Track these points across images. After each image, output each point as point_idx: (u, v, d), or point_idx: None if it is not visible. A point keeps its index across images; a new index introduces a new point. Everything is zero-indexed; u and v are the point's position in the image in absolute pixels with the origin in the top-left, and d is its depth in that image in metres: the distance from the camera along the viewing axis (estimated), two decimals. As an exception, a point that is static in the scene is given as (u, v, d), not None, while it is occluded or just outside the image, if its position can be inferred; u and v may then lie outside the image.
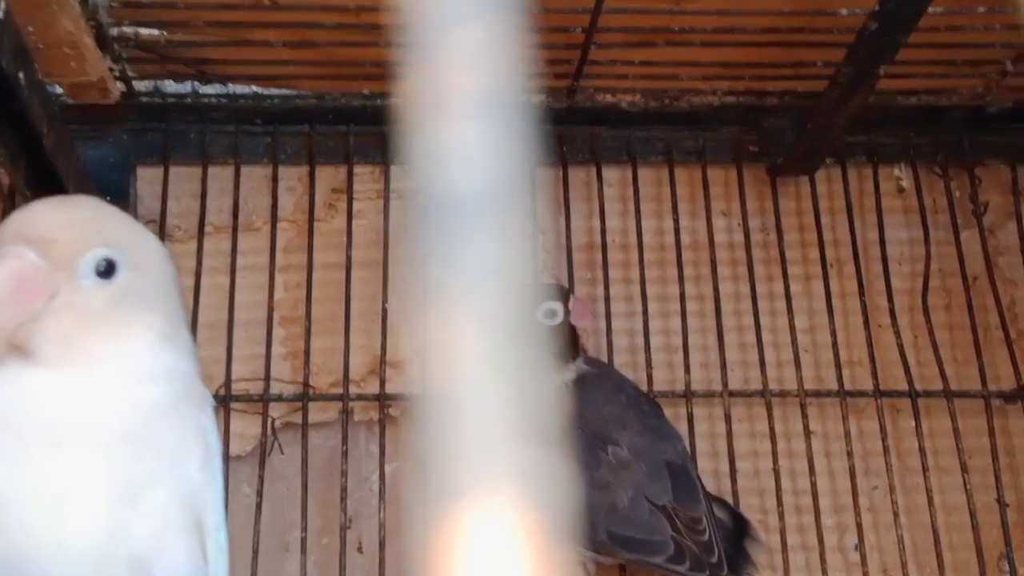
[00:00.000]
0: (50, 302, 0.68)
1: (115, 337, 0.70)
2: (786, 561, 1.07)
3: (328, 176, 1.22)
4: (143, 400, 0.70)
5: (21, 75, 0.91)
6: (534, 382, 0.25)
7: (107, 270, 0.70)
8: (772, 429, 1.12)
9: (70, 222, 0.71)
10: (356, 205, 1.19)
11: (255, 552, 1.04)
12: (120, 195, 1.14)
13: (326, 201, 1.22)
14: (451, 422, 0.25)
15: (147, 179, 1.19)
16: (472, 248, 0.26)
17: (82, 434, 0.67)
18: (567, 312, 1.04)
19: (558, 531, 0.24)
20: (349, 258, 1.15)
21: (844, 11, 1.05)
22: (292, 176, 1.22)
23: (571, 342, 1.04)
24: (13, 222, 0.70)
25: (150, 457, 0.69)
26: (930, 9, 0.98)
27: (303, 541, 1.05)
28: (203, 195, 1.18)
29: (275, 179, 1.20)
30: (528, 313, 0.26)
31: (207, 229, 1.17)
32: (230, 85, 1.17)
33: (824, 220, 1.22)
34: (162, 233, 1.15)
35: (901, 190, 1.28)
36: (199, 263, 1.15)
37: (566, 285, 1.17)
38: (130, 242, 0.73)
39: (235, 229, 1.17)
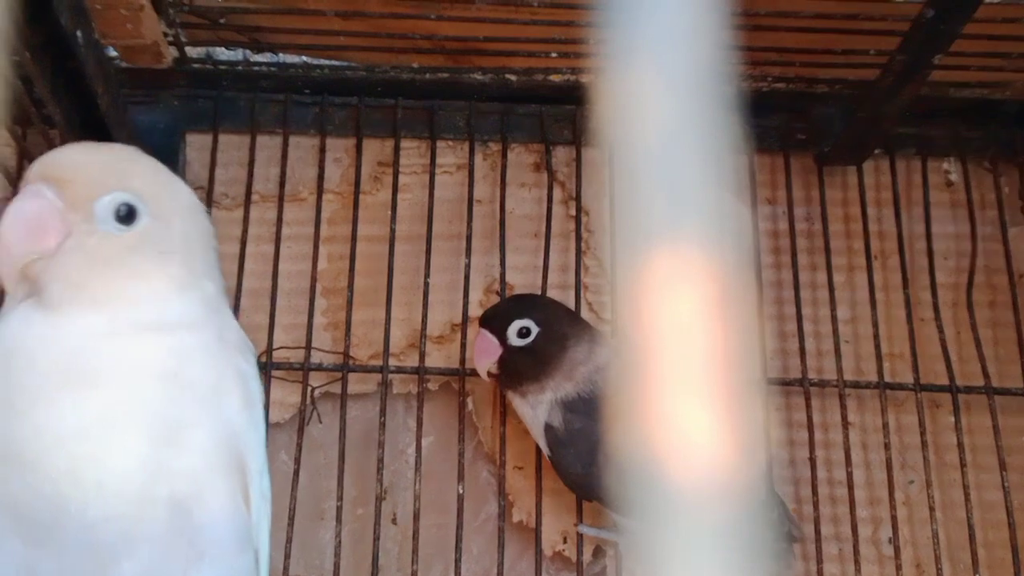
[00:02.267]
0: (62, 242, 0.68)
1: (122, 283, 0.70)
2: (819, 551, 1.06)
3: (375, 149, 1.22)
4: (169, 343, 0.70)
5: (79, 34, 0.91)
6: (718, 138, 0.26)
7: (127, 215, 0.70)
8: (810, 419, 1.12)
9: (91, 164, 0.71)
10: (402, 179, 1.20)
11: (291, 519, 1.04)
12: (169, 161, 1.14)
13: (372, 174, 1.22)
14: (645, 172, 0.26)
15: (196, 146, 1.20)
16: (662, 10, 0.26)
17: (112, 375, 0.67)
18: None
19: (737, 270, 0.25)
20: (393, 231, 1.16)
21: (900, -1, 1.05)
22: (339, 148, 1.23)
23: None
24: (39, 161, 0.71)
25: (186, 398, 0.69)
26: None
27: (338, 510, 1.05)
28: (251, 163, 1.18)
29: (322, 150, 1.20)
30: (714, 79, 0.26)
31: (253, 198, 1.18)
32: (281, 54, 1.18)
33: (870, 211, 1.22)
34: (209, 200, 1.16)
35: (949, 184, 1.27)
36: (245, 231, 1.15)
37: (607, 269, 1.17)
38: (155, 190, 0.73)
39: (281, 199, 1.18)
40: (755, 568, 0.25)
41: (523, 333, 1.00)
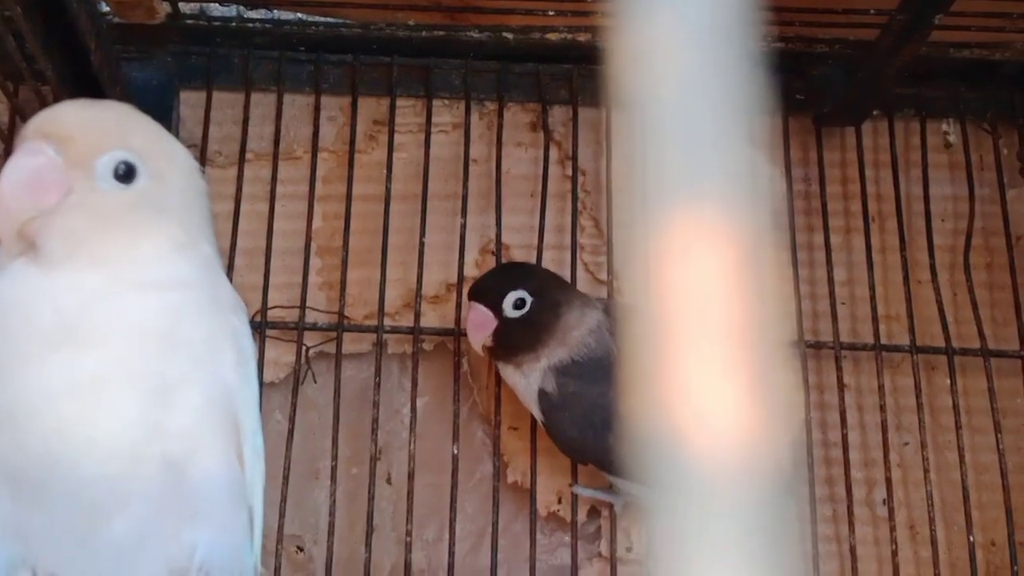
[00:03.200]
0: (63, 200, 0.68)
1: (124, 241, 0.70)
2: (813, 512, 1.07)
3: (370, 107, 1.21)
4: (164, 302, 0.69)
5: (71, -11, 0.90)
6: (742, 90, 0.25)
7: (126, 174, 0.70)
8: (806, 380, 1.12)
9: (91, 121, 0.71)
10: (397, 138, 1.19)
11: (285, 478, 1.04)
12: (163, 118, 1.13)
13: (367, 132, 1.21)
14: (664, 126, 0.25)
15: (190, 103, 1.19)
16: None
17: (104, 334, 0.67)
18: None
19: (763, 230, 0.25)
20: (388, 190, 1.15)
21: (901, -43, 1.03)
22: (334, 106, 1.22)
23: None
24: (37, 118, 0.70)
25: (180, 355, 0.68)
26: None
27: (333, 470, 1.05)
28: (245, 121, 1.17)
29: (317, 108, 1.19)
30: (737, 30, 0.26)
31: (248, 156, 1.17)
32: (275, 11, 1.17)
33: (868, 173, 1.21)
34: (203, 158, 1.15)
35: (948, 145, 1.26)
36: (239, 190, 1.15)
37: (603, 228, 1.16)
38: (154, 149, 0.73)
39: (276, 157, 1.17)
40: (779, 551, 0.25)
41: (518, 304, 1.00)
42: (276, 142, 1.17)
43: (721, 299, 0.25)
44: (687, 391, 0.25)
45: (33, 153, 0.68)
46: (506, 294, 1.00)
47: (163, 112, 1.14)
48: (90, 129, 0.70)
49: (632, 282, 0.26)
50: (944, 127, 1.27)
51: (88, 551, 0.66)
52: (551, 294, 1.00)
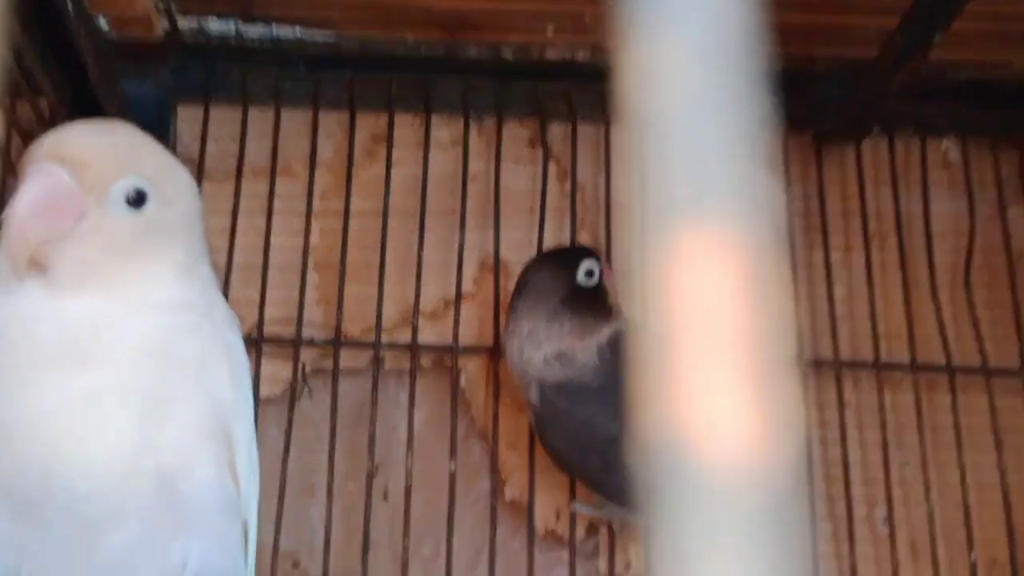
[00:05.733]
0: (76, 225, 0.68)
1: (134, 267, 0.71)
2: (814, 530, 1.06)
3: (368, 123, 1.21)
4: (163, 323, 0.70)
5: (69, 4, 0.90)
6: (748, 107, 0.25)
7: (137, 200, 0.71)
8: (806, 398, 1.11)
9: (106, 147, 0.71)
10: (395, 154, 1.18)
11: (281, 495, 1.04)
12: (160, 133, 1.13)
13: (365, 148, 1.21)
14: (668, 142, 0.25)
15: (187, 118, 1.19)
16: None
17: (104, 354, 0.67)
18: (602, 272, 1.03)
19: (768, 247, 0.25)
20: (386, 206, 1.15)
21: (901, -25, 1.03)
22: (332, 122, 1.21)
23: (607, 301, 1.03)
24: (49, 140, 0.70)
25: (175, 373, 0.69)
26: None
27: (329, 486, 1.05)
28: (242, 137, 1.17)
29: (315, 124, 1.19)
30: (743, 47, 0.25)
31: (245, 172, 1.17)
32: (274, 27, 1.16)
33: (868, 191, 1.21)
34: (200, 173, 1.15)
35: (948, 164, 1.26)
36: (236, 205, 1.14)
37: (602, 245, 1.16)
38: (162, 174, 0.74)
39: (273, 172, 1.17)
40: (786, 566, 0.24)
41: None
42: (274, 157, 1.17)
43: (726, 314, 0.25)
44: (693, 407, 0.25)
45: (49, 177, 0.68)
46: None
47: (160, 127, 1.14)
48: (105, 155, 0.71)
49: (634, 299, 0.26)
50: (944, 145, 1.26)
51: (83, 567, 0.66)
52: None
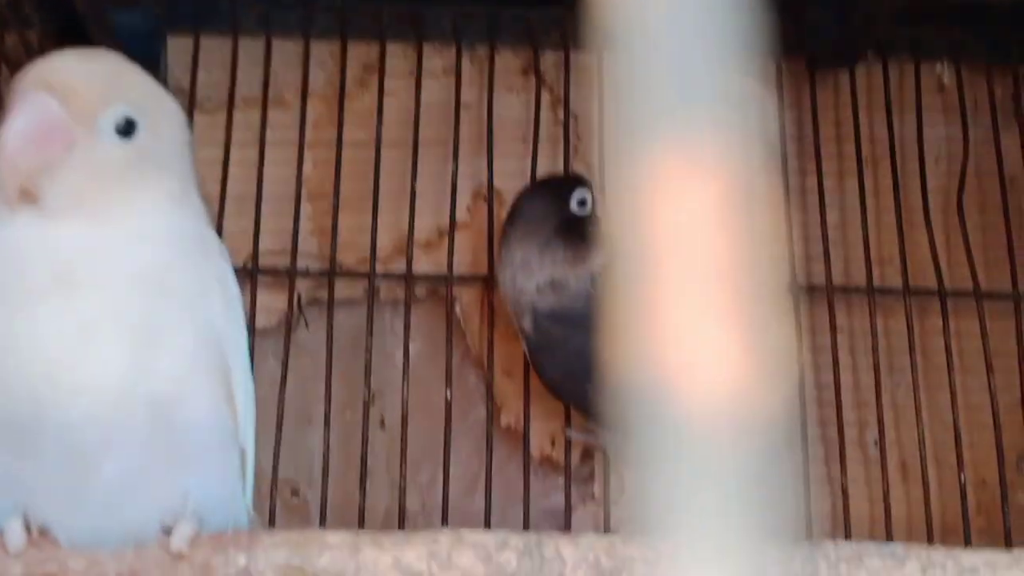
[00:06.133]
0: (67, 154, 0.68)
1: (126, 195, 0.70)
2: (805, 452, 1.07)
3: (360, 53, 1.20)
4: (156, 252, 0.70)
5: (55, -68, 0.89)
6: (736, 20, 0.24)
7: (126, 128, 0.70)
8: (798, 323, 1.12)
9: (95, 75, 0.70)
10: (388, 83, 1.18)
11: (279, 424, 1.05)
12: (150, 64, 1.12)
13: (357, 77, 1.20)
14: (652, 56, 0.25)
15: (177, 49, 1.18)
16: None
17: (96, 282, 0.67)
18: (596, 201, 1.03)
19: (757, 165, 0.24)
20: (379, 136, 1.14)
21: None
22: (323, 51, 1.20)
23: (600, 230, 1.03)
24: (38, 69, 0.69)
25: (169, 302, 0.69)
26: None
27: (326, 415, 1.06)
28: (233, 67, 1.16)
29: (306, 54, 1.18)
30: None
31: (237, 102, 1.16)
32: (263, -46, 1.15)
33: (862, 116, 1.20)
34: (191, 104, 1.14)
35: (942, 88, 1.25)
36: (228, 136, 1.14)
37: (596, 174, 1.16)
38: (150, 102, 0.73)
39: (265, 103, 1.16)
40: (773, 516, 0.24)
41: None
42: (265, 88, 1.16)
43: (711, 238, 0.24)
44: (674, 338, 0.24)
45: (38, 105, 0.67)
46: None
47: (150, 58, 1.13)
48: (93, 83, 0.70)
49: (618, 222, 0.25)
50: (938, 69, 1.26)
51: (79, 497, 0.66)
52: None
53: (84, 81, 0.69)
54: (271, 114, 1.16)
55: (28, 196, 0.68)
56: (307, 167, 1.15)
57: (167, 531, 0.68)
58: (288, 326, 1.09)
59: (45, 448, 0.66)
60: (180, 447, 0.68)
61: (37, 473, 0.66)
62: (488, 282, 1.12)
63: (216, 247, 0.76)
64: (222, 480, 0.71)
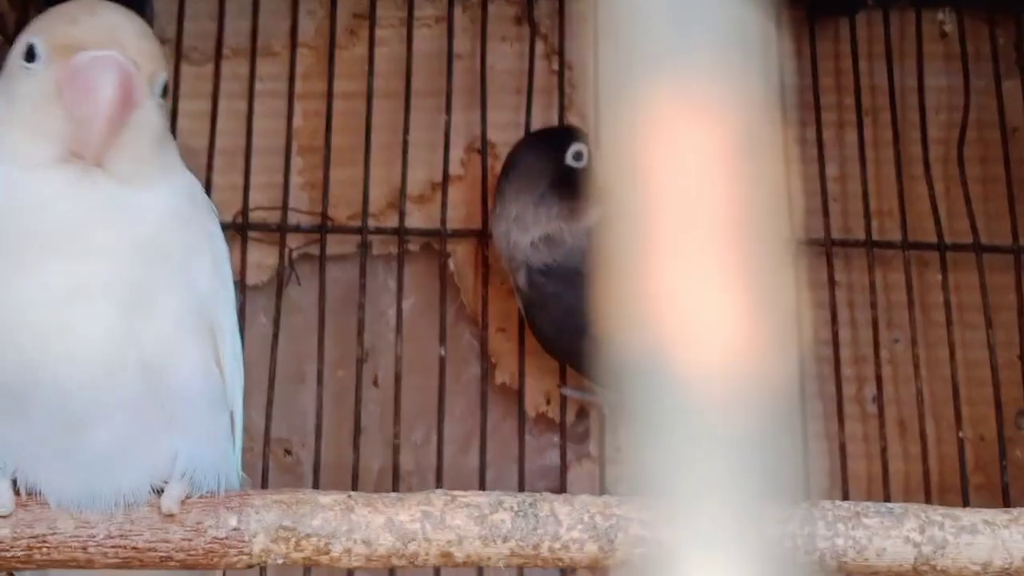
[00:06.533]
0: (134, 117, 0.66)
1: (163, 159, 0.70)
2: (803, 409, 1.06)
3: (350, 1, 1.18)
4: (164, 214, 0.69)
5: None
6: None
7: (164, 91, 0.70)
8: (799, 279, 1.10)
9: (151, 38, 0.70)
10: (378, 32, 1.16)
11: (271, 382, 1.04)
12: (137, 13, 1.11)
13: (347, 27, 1.18)
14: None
15: (163, -3, 1.16)
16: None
17: (102, 244, 0.66)
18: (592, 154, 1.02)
19: (759, 110, 0.22)
20: (370, 87, 1.12)
21: None
22: (313, 0, 1.18)
23: (597, 184, 1.01)
24: (102, 26, 0.67)
25: (161, 264, 0.68)
26: None
27: (319, 373, 1.05)
28: (220, 16, 1.14)
29: (295, 2, 1.16)
30: None
31: (224, 52, 1.14)
32: (250, -101, 1.13)
33: (862, 65, 1.18)
34: (178, 55, 1.12)
35: (944, 36, 1.23)
36: (216, 87, 1.12)
37: (591, 125, 1.14)
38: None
39: (253, 53, 1.14)
40: (772, 477, 0.23)
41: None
42: (253, 37, 1.14)
43: (712, 189, 0.22)
44: (671, 297, 0.22)
45: (122, 69, 0.65)
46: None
47: (136, 7, 1.10)
48: (154, 47, 0.69)
49: (613, 173, 0.24)
50: (940, 16, 1.24)
51: (69, 460, 0.66)
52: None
53: (149, 45, 0.68)
54: (260, 65, 1.14)
55: (89, 158, 0.66)
56: (297, 120, 1.13)
57: (157, 492, 0.67)
58: (280, 283, 1.08)
59: (35, 411, 0.65)
60: (170, 410, 0.67)
61: (27, 435, 0.65)
62: (482, 237, 1.11)
63: (205, 203, 0.75)
64: (212, 442, 0.70)
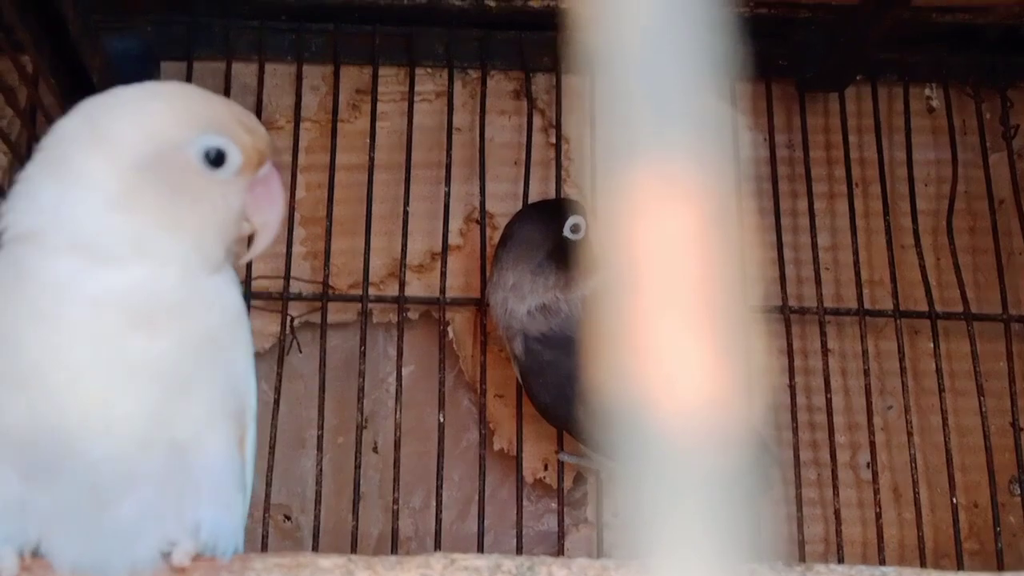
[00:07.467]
0: None
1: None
2: (798, 476, 1.07)
3: (352, 76, 1.21)
4: (221, 301, 0.70)
5: (47, -41, 0.89)
6: (709, 48, 0.25)
7: None
8: (790, 345, 1.12)
9: None
10: (380, 106, 1.18)
11: (271, 448, 1.04)
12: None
13: (350, 101, 1.21)
14: (630, 83, 0.25)
15: (171, 74, 1.18)
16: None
17: (162, 329, 0.66)
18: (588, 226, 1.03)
19: (728, 190, 0.24)
20: (372, 159, 1.15)
21: (884, -78, 1.03)
22: (316, 75, 1.21)
23: (592, 255, 1.03)
24: (264, 133, 0.71)
25: (209, 349, 0.68)
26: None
27: (319, 439, 1.05)
28: (227, 92, 1.17)
29: (299, 77, 1.19)
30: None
31: (230, 126, 1.16)
32: (256, -21, 1.16)
33: (852, 138, 1.21)
34: (185, 128, 1.14)
35: (931, 110, 1.26)
36: (221, 160, 1.14)
37: (590, 197, 1.16)
38: None
39: (258, 127, 1.16)
40: (744, 518, 0.24)
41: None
42: (258, 112, 1.17)
43: (688, 259, 0.25)
44: (654, 356, 0.24)
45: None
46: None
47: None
48: None
49: (606, 245, 0.26)
50: (927, 92, 1.27)
51: (89, 529, 0.66)
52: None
53: None
54: (264, 138, 1.16)
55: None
56: (300, 191, 1.16)
57: (166, 558, 0.67)
58: (281, 350, 1.09)
59: (64, 480, 0.65)
60: (195, 487, 0.68)
61: (53, 505, 0.65)
62: (481, 305, 1.13)
63: (236, 282, 0.75)
64: (230, 517, 0.70)
